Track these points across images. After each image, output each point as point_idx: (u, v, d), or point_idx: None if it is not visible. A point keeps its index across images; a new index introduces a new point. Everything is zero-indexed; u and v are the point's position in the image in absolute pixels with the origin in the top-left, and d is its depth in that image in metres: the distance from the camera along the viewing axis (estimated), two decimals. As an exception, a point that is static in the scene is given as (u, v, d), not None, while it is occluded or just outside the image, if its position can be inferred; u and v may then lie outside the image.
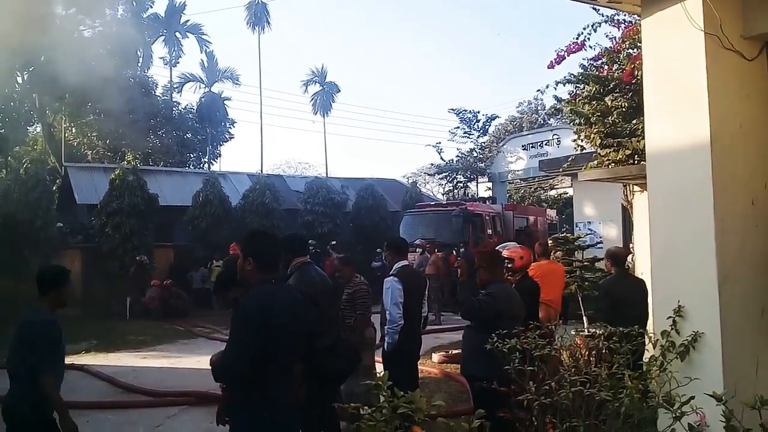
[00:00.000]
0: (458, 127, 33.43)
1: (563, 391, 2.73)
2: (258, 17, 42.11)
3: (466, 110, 33.38)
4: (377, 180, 26.47)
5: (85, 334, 12.99)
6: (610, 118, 9.34)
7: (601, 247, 11.90)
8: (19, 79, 28.13)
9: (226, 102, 38.81)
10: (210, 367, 3.23)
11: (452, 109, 33.71)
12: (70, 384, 8.24)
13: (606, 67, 9.77)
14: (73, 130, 30.89)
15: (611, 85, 9.31)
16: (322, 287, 4.98)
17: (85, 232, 19.94)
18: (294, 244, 5.09)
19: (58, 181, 24.26)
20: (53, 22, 27.43)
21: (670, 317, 3.84)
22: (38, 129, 30.21)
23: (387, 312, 5.78)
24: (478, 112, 33.46)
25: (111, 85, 26.83)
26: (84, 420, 6.43)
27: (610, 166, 9.27)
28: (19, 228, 16.17)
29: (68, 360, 9.71)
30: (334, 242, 18.58)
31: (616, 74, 9.34)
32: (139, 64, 32.09)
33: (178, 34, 38.46)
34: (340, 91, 45.28)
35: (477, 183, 32.96)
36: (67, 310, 14.32)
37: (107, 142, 30.87)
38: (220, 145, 38.94)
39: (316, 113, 44.65)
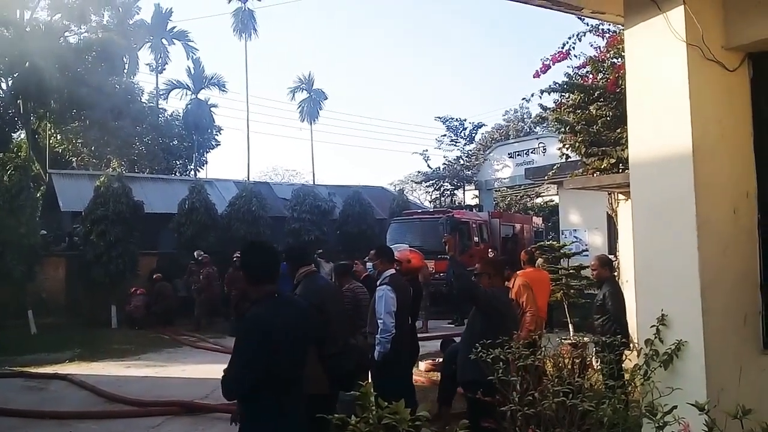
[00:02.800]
0: (445, 135, 33.59)
1: (546, 401, 2.74)
2: (245, 24, 42.09)
3: (452, 118, 33.56)
4: (364, 187, 26.45)
5: (69, 343, 12.88)
6: (594, 126, 9.42)
7: (587, 255, 11.96)
8: (3, 85, 27.95)
9: (212, 109, 38.70)
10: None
11: (439, 117, 33.90)
12: (54, 394, 8.18)
13: (591, 76, 9.86)
14: (58, 137, 30.62)
15: (596, 94, 9.39)
16: (330, 294, 5.22)
17: (69, 239, 19.72)
18: (299, 255, 5.29)
19: (42, 188, 24.04)
20: (38, 28, 27.29)
21: (653, 326, 3.86)
22: (22, 135, 29.93)
23: (379, 321, 5.76)
24: (465, 120, 33.68)
25: (97, 92, 26.68)
26: (67, 430, 6.37)
27: (594, 175, 9.34)
28: (2, 234, 15.95)
29: (52, 369, 9.63)
30: (320, 250, 18.53)
31: (600, 83, 9.42)
32: (125, 71, 31.90)
33: (164, 40, 38.34)
34: (327, 98, 45.40)
35: (464, 191, 33.08)
36: (51, 318, 14.26)
37: (92, 148, 30.62)
38: (207, 152, 38.77)
39: (303, 120, 44.70)
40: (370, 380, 5.19)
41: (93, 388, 8.27)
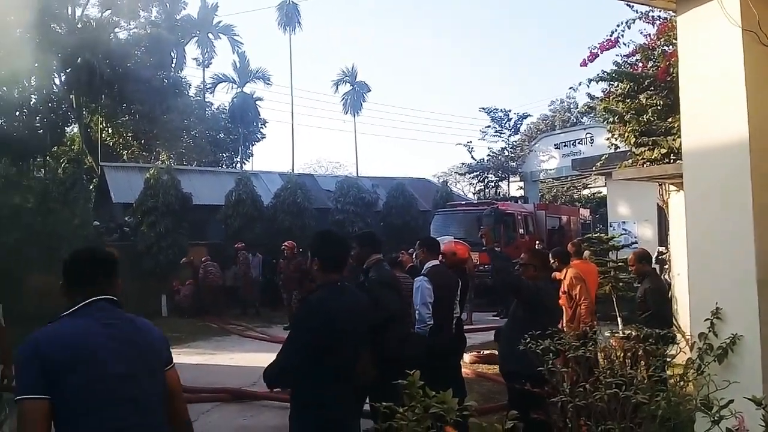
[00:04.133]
0: (489, 126, 33.26)
1: (598, 393, 2.70)
2: (289, 17, 42.42)
3: (497, 109, 33.19)
4: (408, 179, 26.45)
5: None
6: (644, 116, 9.22)
7: (636, 248, 11.74)
8: (57, 81, 28.81)
9: (257, 102, 39.18)
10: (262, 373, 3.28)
11: (483, 108, 33.56)
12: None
13: (640, 64, 9.65)
14: (110, 130, 31.49)
15: (646, 83, 9.19)
16: (398, 281, 5.49)
17: (120, 230, 20.28)
18: (374, 241, 5.44)
19: (94, 180, 24.76)
20: (89, 25, 28.05)
21: (707, 319, 3.78)
22: (75, 129, 30.85)
23: (416, 312, 5.77)
24: (510, 111, 33.26)
25: (146, 86, 27.31)
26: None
27: (645, 165, 9.15)
28: (57, 225, 16.51)
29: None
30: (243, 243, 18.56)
31: (650, 71, 9.21)
32: (173, 65, 32.54)
33: (210, 35, 38.89)
34: (370, 90, 45.39)
35: (508, 182, 32.74)
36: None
37: (142, 142, 31.43)
38: (252, 144, 39.35)
39: (346, 113, 44.82)
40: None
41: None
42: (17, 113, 26.02)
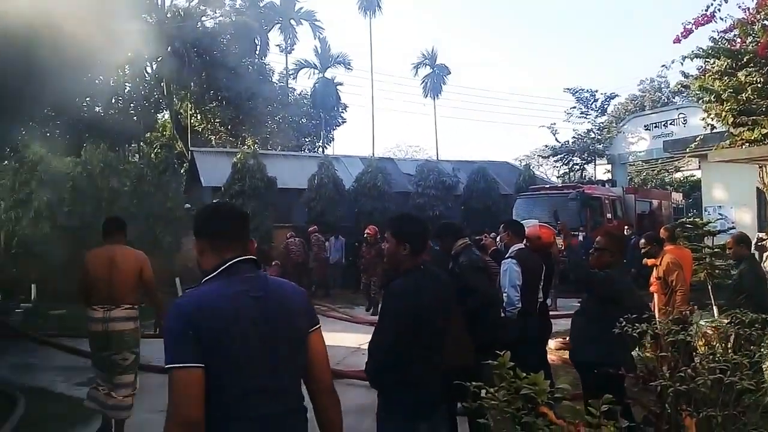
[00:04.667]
0: (574, 107, 32.38)
1: (701, 378, 2.59)
2: (370, 2, 42.55)
3: (582, 89, 32.25)
4: (489, 163, 26.08)
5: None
6: (743, 94, 8.74)
7: (734, 233, 11.18)
8: (149, 69, 30.09)
9: (338, 87, 39.63)
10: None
11: (568, 89, 32.68)
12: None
13: (739, 40, 9.13)
14: (198, 117, 32.63)
15: (745, 59, 8.71)
16: (486, 264, 5.59)
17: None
18: (457, 229, 5.67)
19: (185, 164, 25.75)
20: (178, 14, 29.09)
21: (817, 306, 3.56)
22: (166, 116, 32.16)
23: (504, 294, 5.71)
24: (596, 91, 32.25)
25: (231, 74, 28.13)
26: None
27: (744, 146, 8.68)
28: (152, 208, 17.37)
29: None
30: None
31: (750, 47, 8.71)
32: (257, 52, 33.30)
33: (292, 21, 39.53)
34: (450, 73, 45.02)
35: (595, 165, 31.73)
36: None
37: (229, 127, 32.41)
38: (333, 129, 39.92)
39: (426, 96, 44.66)
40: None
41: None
42: (113, 101, 27.34)
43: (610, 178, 26.42)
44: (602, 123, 32.14)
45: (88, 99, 24.63)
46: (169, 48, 26.63)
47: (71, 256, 16.51)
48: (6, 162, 16.95)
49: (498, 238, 7.56)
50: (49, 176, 16.45)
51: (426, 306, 3.17)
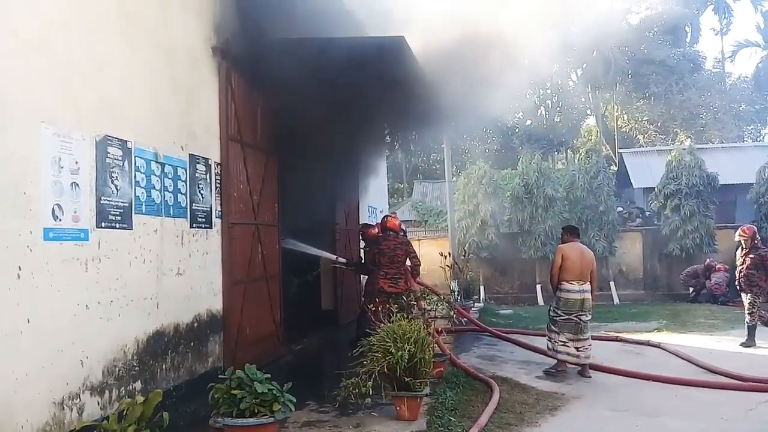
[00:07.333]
0: None
1: None
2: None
3: None
4: None
5: (652, 314, 13.38)
6: None
7: None
8: (573, 76, 30.72)
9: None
10: None
11: None
12: (650, 359, 8.54)
13: None
14: (624, 117, 32.01)
15: None
16: None
17: (642, 214, 20.50)
18: None
19: (613, 167, 25.53)
20: (600, 18, 29.03)
21: None
22: (590, 121, 32.40)
23: None
24: None
25: (659, 67, 26.87)
26: (672, 394, 6.61)
27: None
28: (585, 212, 17.80)
29: (643, 337, 10.09)
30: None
31: None
32: (687, 40, 31.10)
33: (728, -1, 35.68)
34: None
35: None
36: (630, 290, 15.31)
37: (658, 124, 31.00)
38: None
39: None
40: None
41: (689, 357, 8.26)
42: (538, 113, 28.79)
43: None
44: None
45: (520, 114, 26.51)
46: (594, 52, 26.76)
47: (511, 260, 18.15)
48: (455, 178, 19.38)
49: None
50: (491, 188, 18.34)
51: None
